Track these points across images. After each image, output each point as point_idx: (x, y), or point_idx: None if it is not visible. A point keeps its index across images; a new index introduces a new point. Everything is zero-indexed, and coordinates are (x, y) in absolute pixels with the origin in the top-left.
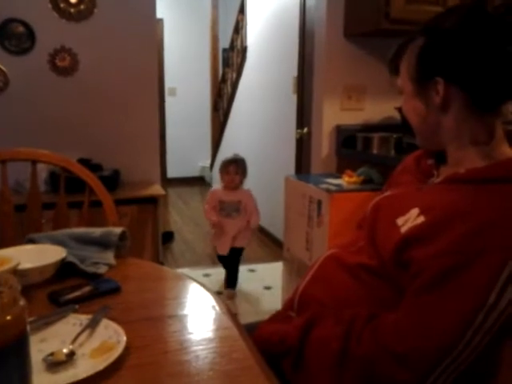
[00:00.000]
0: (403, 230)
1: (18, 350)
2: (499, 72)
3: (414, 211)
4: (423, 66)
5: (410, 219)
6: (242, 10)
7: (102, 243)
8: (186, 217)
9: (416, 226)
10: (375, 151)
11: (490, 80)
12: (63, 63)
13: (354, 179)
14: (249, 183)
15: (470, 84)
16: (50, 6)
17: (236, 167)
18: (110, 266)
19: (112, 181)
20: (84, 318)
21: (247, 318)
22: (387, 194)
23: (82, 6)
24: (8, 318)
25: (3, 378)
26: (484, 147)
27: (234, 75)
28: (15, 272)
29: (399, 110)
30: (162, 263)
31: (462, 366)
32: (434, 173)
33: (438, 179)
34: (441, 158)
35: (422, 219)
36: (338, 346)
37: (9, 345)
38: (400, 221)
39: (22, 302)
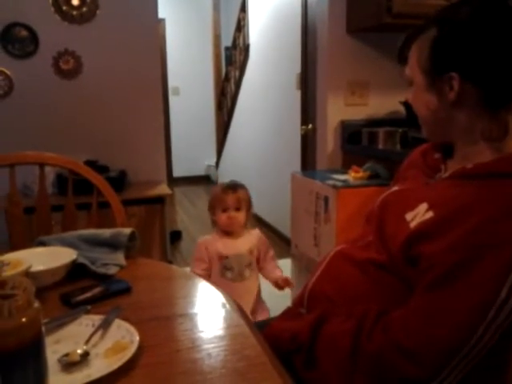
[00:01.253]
0: (412, 225)
1: (34, 351)
2: None
3: (423, 206)
4: (437, 59)
5: (419, 214)
6: (243, 8)
7: (111, 244)
8: (192, 216)
9: (425, 221)
10: (381, 146)
11: (506, 75)
12: (67, 66)
13: (360, 174)
14: (254, 181)
15: (486, 80)
16: (52, 9)
17: (237, 199)
18: (121, 267)
19: (119, 182)
20: (96, 319)
21: None
22: (395, 189)
23: (85, 9)
24: (23, 320)
25: (21, 378)
26: (496, 143)
27: (237, 73)
28: (27, 274)
29: (404, 103)
30: (170, 262)
31: (473, 361)
32: (441, 167)
33: (445, 174)
34: (447, 152)
35: (430, 214)
36: (349, 343)
37: (25, 346)
38: (409, 216)
39: (36, 304)
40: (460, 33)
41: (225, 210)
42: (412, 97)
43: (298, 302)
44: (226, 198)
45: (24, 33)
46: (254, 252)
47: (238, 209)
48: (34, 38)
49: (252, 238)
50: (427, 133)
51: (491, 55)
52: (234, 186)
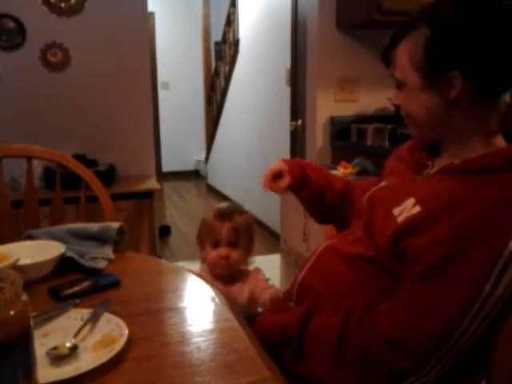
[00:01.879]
0: (400, 219)
1: (22, 344)
2: (506, 59)
3: (410, 201)
4: (436, 59)
5: (406, 209)
6: (233, 3)
7: (99, 238)
8: (182, 211)
9: (412, 215)
10: (369, 142)
11: (501, 67)
12: (55, 59)
13: (348, 170)
14: (243, 177)
15: (484, 75)
16: (39, 0)
17: (233, 230)
18: (109, 261)
19: (108, 176)
20: (85, 313)
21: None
22: (382, 184)
23: (73, 1)
24: (11, 312)
25: (8, 371)
26: (487, 139)
27: (227, 68)
28: (15, 268)
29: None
30: (159, 257)
31: (459, 353)
32: (428, 164)
33: (432, 170)
34: (434, 149)
35: (418, 209)
36: (336, 336)
37: (13, 339)
38: (396, 211)
39: (24, 297)
40: (456, 30)
41: (216, 245)
42: (404, 98)
43: (286, 296)
44: (217, 229)
45: (11, 24)
46: (255, 298)
47: (233, 244)
48: (21, 29)
49: (253, 281)
50: (420, 133)
51: (488, 49)
52: (230, 212)
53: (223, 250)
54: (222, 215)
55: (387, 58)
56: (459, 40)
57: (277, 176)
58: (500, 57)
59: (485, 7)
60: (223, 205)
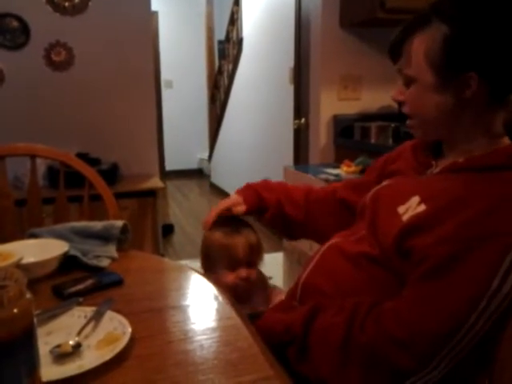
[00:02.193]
0: (405, 218)
1: (26, 342)
2: None
3: (415, 199)
4: (453, 58)
5: (411, 207)
6: (236, 2)
7: (103, 236)
8: (185, 209)
9: (417, 214)
10: (373, 140)
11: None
12: (59, 58)
13: (352, 169)
14: (247, 175)
15: (498, 77)
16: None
17: (249, 247)
18: (113, 259)
19: (111, 174)
20: (89, 311)
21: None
22: (386, 183)
23: (77, 0)
24: (15, 310)
25: (12, 369)
26: (493, 140)
27: (230, 67)
28: (18, 266)
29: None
30: (162, 256)
31: (463, 352)
32: (432, 163)
33: (436, 169)
34: (437, 151)
35: (423, 207)
36: (342, 334)
37: (17, 337)
38: (401, 209)
39: (28, 295)
40: (475, 30)
41: (233, 267)
42: (412, 95)
43: (290, 295)
44: (232, 247)
45: (15, 24)
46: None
47: (250, 263)
48: (25, 29)
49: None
50: (423, 132)
51: (506, 49)
52: (239, 227)
53: (243, 271)
54: (233, 232)
55: (396, 53)
56: (478, 40)
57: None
58: None
59: (502, 5)
60: (223, 220)
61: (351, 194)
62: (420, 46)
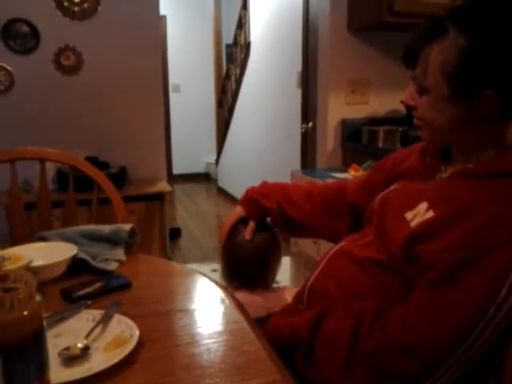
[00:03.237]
0: (413, 224)
1: (36, 344)
2: None
3: (423, 205)
4: (468, 74)
5: (419, 214)
6: (244, 6)
7: (111, 240)
8: (192, 213)
9: (426, 220)
10: (381, 144)
11: None
12: (68, 62)
13: (359, 173)
14: (254, 179)
15: None
16: (53, 4)
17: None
18: (121, 263)
19: (119, 178)
20: (97, 314)
21: None
22: (394, 187)
23: (86, 5)
24: (25, 313)
25: (22, 371)
26: (503, 150)
27: (238, 71)
28: (28, 269)
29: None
30: (170, 259)
31: (472, 359)
32: (441, 168)
33: (445, 174)
34: (446, 155)
35: (431, 214)
36: (348, 339)
37: (26, 339)
38: (409, 215)
39: (38, 298)
40: (493, 47)
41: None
42: (425, 105)
43: (297, 299)
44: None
45: (25, 28)
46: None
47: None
48: (35, 33)
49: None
50: (433, 139)
51: None
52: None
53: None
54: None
55: (410, 60)
56: (496, 58)
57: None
58: None
59: None
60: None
61: (361, 197)
62: (436, 58)
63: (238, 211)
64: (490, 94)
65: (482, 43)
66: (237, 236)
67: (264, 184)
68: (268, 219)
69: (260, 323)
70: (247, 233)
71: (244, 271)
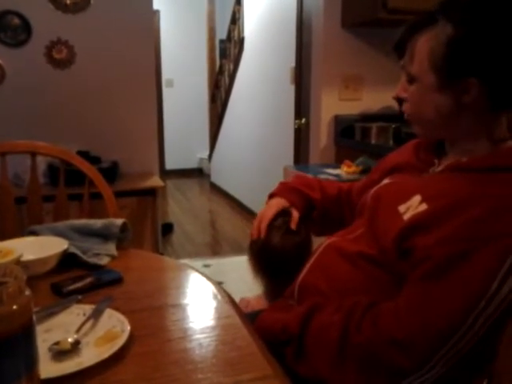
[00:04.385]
0: (406, 217)
1: (25, 338)
2: None
3: (416, 198)
4: (456, 62)
5: (412, 206)
6: (238, 1)
7: (103, 234)
8: (184, 208)
9: (419, 213)
10: (373, 141)
11: None
12: (60, 55)
13: (352, 169)
14: (247, 175)
15: (501, 84)
16: None
17: None
18: (112, 257)
19: (111, 173)
20: (88, 308)
21: None
22: (387, 181)
23: None
24: (14, 307)
25: (10, 366)
26: (495, 142)
27: (232, 66)
28: (18, 263)
29: (397, 99)
30: (162, 254)
31: (462, 352)
32: (435, 162)
33: (439, 168)
34: (440, 149)
35: (424, 207)
36: (338, 334)
37: (16, 334)
38: (402, 208)
39: (27, 292)
40: (479, 35)
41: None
42: (413, 95)
43: (288, 294)
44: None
45: (16, 21)
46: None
47: None
48: (26, 26)
49: None
50: (424, 132)
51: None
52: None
53: None
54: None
55: (401, 49)
56: (482, 46)
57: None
58: None
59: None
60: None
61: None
62: (424, 45)
63: (278, 202)
64: (474, 82)
65: (469, 32)
66: (273, 231)
67: (302, 177)
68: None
69: (252, 319)
70: (293, 222)
71: (283, 270)
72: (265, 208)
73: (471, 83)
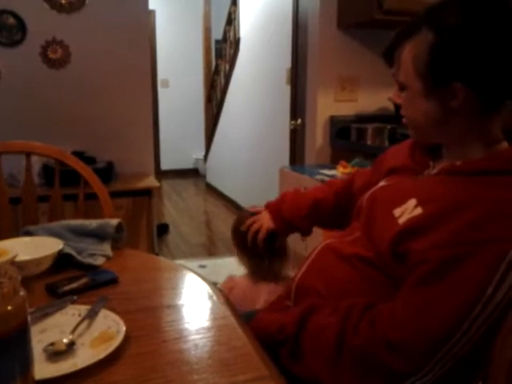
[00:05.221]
0: (401, 221)
1: (20, 339)
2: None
3: (411, 202)
4: (438, 68)
5: (408, 210)
6: (234, 2)
7: (98, 235)
8: (180, 209)
9: (414, 217)
10: (369, 142)
11: (502, 81)
12: (55, 55)
13: (348, 170)
14: (243, 175)
15: (486, 88)
16: None
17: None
18: (107, 258)
19: (106, 173)
20: (83, 309)
21: None
22: (382, 184)
23: None
24: (9, 308)
25: (5, 367)
26: (489, 147)
27: (227, 67)
28: (12, 264)
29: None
30: (157, 255)
31: (458, 355)
32: (429, 164)
33: (433, 171)
34: (435, 151)
35: (419, 211)
36: (335, 336)
37: (10, 334)
38: (397, 212)
39: (22, 293)
40: (460, 40)
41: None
42: (405, 102)
43: (284, 295)
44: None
45: (11, 21)
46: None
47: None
48: (21, 26)
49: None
50: (418, 136)
51: (493, 60)
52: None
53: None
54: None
55: (390, 58)
56: (463, 51)
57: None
58: (505, 68)
59: (492, 15)
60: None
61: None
62: (408, 53)
63: (269, 225)
64: (459, 86)
65: (448, 38)
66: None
67: (294, 199)
68: None
69: (247, 319)
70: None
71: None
72: (264, 219)
73: (457, 88)
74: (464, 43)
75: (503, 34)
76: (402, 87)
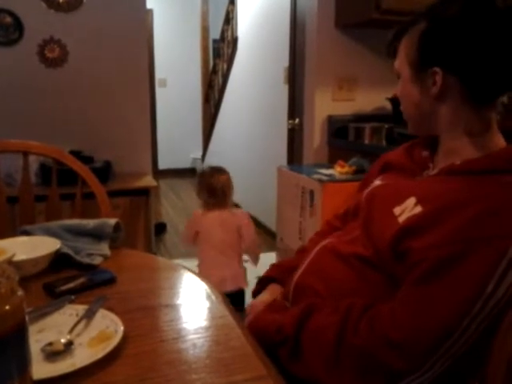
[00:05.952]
0: (401, 219)
1: (17, 339)
2: (500, 65)
3: (411, 200)
4: (424, 52)
5: (407, 209)
6: (232, 1)
7: (96, 234)
8: (178, 208)
9: (414, 216)
10: (367, 141)
11: (490, 73)
12: (52, 54)
13: (345, 169)
14: (241, 175)
15: (470, 77)
16: None
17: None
18: (105, 257)
19: (104, 172)
20: (80, 309)
21: None
22: (381, 183)
23: None
24: (7, 307)
25: (3, 367)
26: (479, 138)
27: (225, 66)
28: (10, 263)
29: (391, 99)
30: (155, 254)
31: (457, 353)
32: (429, 165)
33: (433, 171)
34: (434, 148)
35: (419, 209)
36: (335, 336)
37: (8, 335)
38: (397, 210)
39: (20, 293)
40: (448, 28)
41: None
42: (399, 90)
43: (283, 295)
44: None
45: (8, 19)
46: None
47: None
48: (18, 25)
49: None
50: (411, 127)
51: (477, 53)
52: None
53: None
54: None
55: (391, 52)
56: (449, 37)
57: None
58: (490, 61)
59: (488, 12)
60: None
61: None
62: (405, 43)
63: (267, 298)
64: (437, 71)
65: (438, 26)
66: None
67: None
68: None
69: (231, 299)
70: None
71: None
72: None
73: (435, 72)
74: (449, 30)
75: (498, 31)
76: (399, 76)
